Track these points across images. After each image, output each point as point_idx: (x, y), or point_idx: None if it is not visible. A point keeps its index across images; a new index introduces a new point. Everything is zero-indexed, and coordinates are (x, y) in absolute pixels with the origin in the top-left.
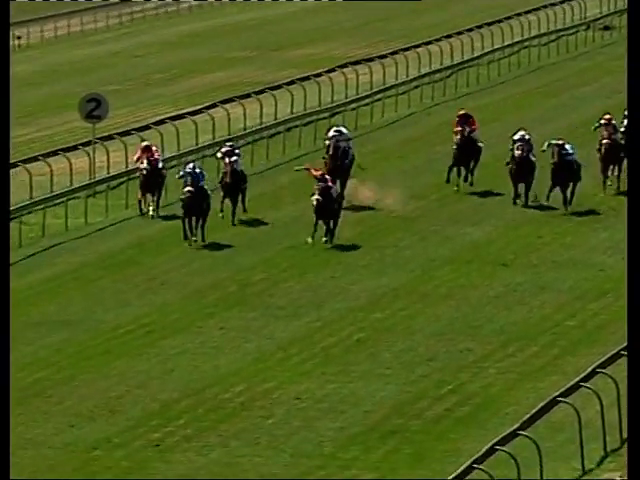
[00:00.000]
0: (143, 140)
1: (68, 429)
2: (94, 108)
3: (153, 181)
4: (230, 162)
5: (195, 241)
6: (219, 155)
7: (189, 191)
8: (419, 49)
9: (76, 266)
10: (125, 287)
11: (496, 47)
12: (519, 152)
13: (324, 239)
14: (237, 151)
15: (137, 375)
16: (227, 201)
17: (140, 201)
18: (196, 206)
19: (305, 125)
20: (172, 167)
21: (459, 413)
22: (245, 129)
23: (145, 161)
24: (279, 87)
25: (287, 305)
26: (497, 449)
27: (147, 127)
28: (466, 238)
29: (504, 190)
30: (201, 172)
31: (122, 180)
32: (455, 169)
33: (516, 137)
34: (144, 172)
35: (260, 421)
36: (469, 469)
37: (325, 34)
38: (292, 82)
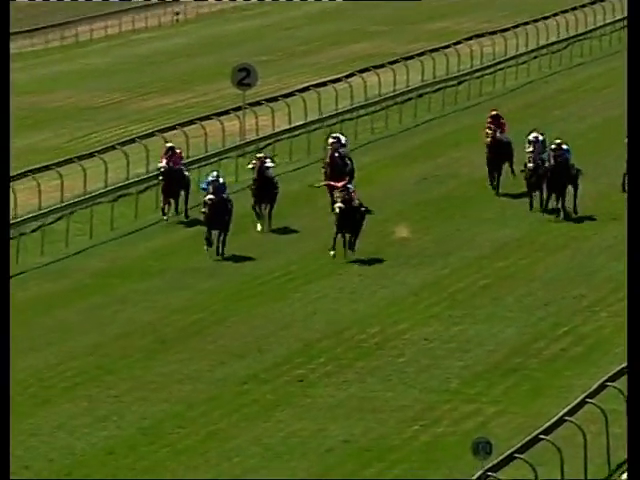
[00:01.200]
0: (288, 107)
1: (220, 366)
2: (244, 77)
3: (173, 184)
4: (260, 169)
5: (220, 254)
6: (251, 166)
7: (210, 199)
8: (538, 23)
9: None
10: (274, 237)
11: (607, 22)
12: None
13: (349, 251)
14: (268, 160)
15: (282, 317)
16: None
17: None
18: (218, 218)
19: (434, 92)
20: (315, 129)
21: (573, 353)
22: (380, 95)
23: (164, 161)
24: (411, 58)
25: (418, 254)
26: (607, 385)
27: (292, 94)
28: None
29: (616, 150)
30: (224, 183)
31: (269, 142)
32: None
33: (530, 137)
34: (160, 175)
35: (392, 359)
36: (582, 403)
37: (454, 10)
38: (423, 53)
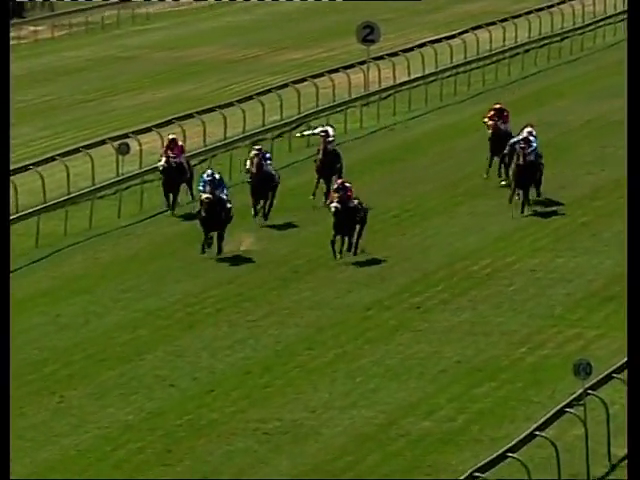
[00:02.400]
0: (407, 62)
1: (347, 293)
2: (369, 33)
3: (173, 179)
4: (259, 164)
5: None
6: (250, 154)
7: (207, 198)
8: None
9: (354, 162)
10: (394, 179)
11: None
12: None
13: (350, 251)
14: (268, 155)
15: (404, 250)
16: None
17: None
18: (214, 219)
19: (540, 47)
20: (432, 81)
21: None
22: (491, 50)
23: (164, 158)
24: (519, 16)
25: None
26: None
27: (411, 49)
28: None
29: None
30: (221, 179)
31: (390, 92)
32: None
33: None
34: (161, 169)
35: (502, 288)
36: None
37: None
38: (530, 12)
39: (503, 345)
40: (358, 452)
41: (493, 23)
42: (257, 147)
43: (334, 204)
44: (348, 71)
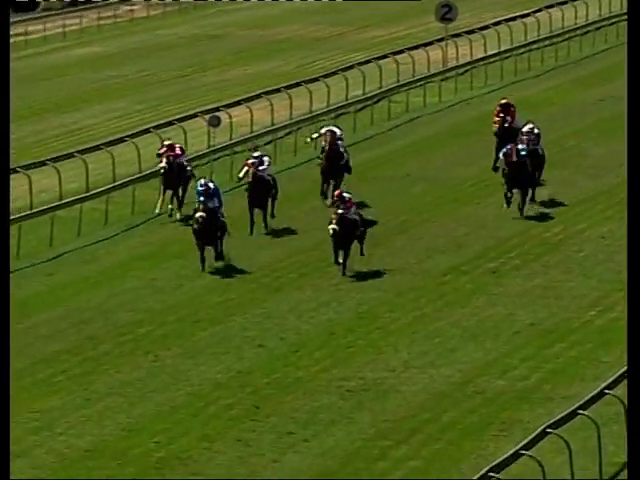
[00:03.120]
0: (483, 39)
1: (426, 259)
2: (447, 12)
3: (173, 180)
4: (257, 170)
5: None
6: (249, 162)
7: (201, 216)
8: None
9: (433, 133)
10: (470, 151)
11: None
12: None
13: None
14: (265, 159)
15: (479, 219)
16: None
17: (162, 200)
18: (208, 234)
19: (610, 25)
20: (507, 57)
21: None
22: (563, 28)
23: (164, 159)
24: None
25: (594, 166)
26: None
27: (487, 27)
28: None
29: None
30: (216, 188)
31: (467, 68)
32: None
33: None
34: (162, 171)
35: (573, 254)
36: None
37: None
38: None
39: (573, 308)
40: (436, 409)
41: (565, 2)
42: (255, 154)
43: (333, 226)
44: (427, 48)
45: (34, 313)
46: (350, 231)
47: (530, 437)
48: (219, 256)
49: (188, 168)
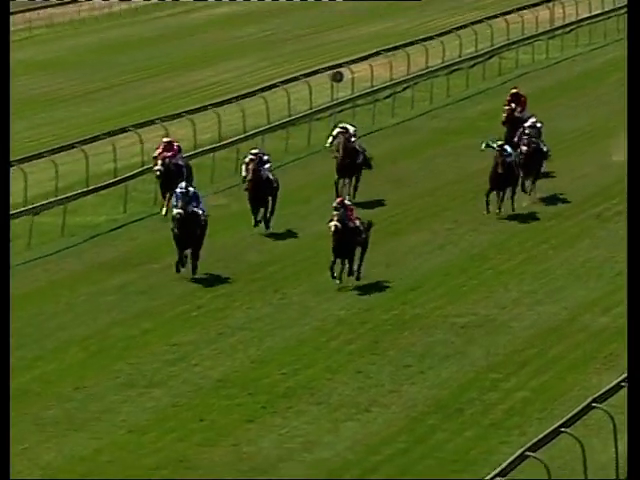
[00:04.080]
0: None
1: (532, 205)
2: None
3: (170, 182)
4: (255, 169)
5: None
6: (246, 161)
7: (178, 214)
8: None
9: (540, 89)
10: (576, 104)
11: None
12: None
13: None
14: (266, 157)
15: (582, 166)
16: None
17: (167, 202)
18: (187, 237)
19: None
20: (610, 17)
21: None
22: None
23: (160, 162)
24: None
25: None
26: None
27: None
28: None
29: None
30: (195, 192)
31: (573, 27)
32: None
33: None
34: (158, 173)
35: None
36: None
37: None
38: None
39: None
40: (543, 344)
41: None
42: (254, 151)
43: (334, 222)
44: (536, 8)
45: (168, 255)
46: (352, 234)
47: None
48: (194, 267)
49: (183, 168)
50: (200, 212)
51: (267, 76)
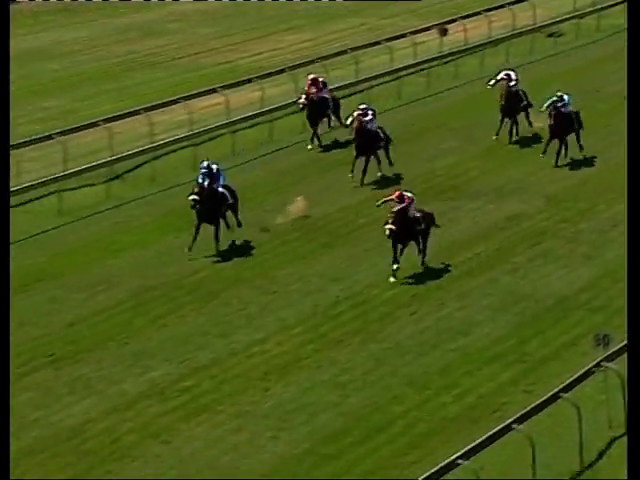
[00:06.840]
0: None
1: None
2: None
3: (315, 115)
4: (362, 122)
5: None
6: (351, 118)
7: (194, 199)
8: None
9: (584, 63)
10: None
11: None
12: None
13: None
14: (370, 112)
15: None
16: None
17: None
18: (208, 212)
19: None
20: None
21: None
22: None
23: (303, 96)
24: None
25: None
26: None
27: None
28: None
29: None
30: (218, 170)
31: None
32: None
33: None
34: (301, 106)
35: None
36: None
37: None
38: None
39: None
40: None
41: None
42: (362, 106)
43: (389, 226)
44: None
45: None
46: (410, 224)
47: None
48: (217, 243)
49: (328, 102)
50: (223, 190)
51: (375, 35)
